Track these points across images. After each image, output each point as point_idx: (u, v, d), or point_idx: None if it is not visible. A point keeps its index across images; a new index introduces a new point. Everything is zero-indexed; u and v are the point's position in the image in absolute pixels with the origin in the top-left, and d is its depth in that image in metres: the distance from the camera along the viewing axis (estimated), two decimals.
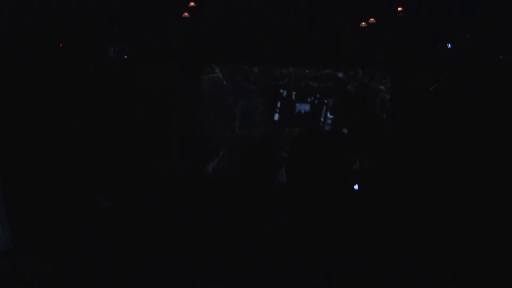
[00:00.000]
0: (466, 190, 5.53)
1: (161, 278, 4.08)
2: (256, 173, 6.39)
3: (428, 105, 6.30)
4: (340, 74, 7.06)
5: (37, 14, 5.57)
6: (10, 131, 5.29)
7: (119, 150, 6.12)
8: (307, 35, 6.40)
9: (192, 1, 5.95)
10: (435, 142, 6.05)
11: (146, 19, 6.15)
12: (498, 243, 4.61)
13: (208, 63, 7.13)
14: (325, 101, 6.22)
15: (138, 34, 6.35)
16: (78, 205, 5.36)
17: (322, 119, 6.17)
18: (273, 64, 7.04)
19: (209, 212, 5.53)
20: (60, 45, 5.90)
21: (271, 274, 4.12)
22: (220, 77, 7.15)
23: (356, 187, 6.01)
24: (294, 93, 6.30)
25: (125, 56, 6.28)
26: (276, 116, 6.54)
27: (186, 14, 6.11)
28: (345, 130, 6.51)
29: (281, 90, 6.25)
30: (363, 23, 6.17)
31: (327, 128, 6.32)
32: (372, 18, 6.09)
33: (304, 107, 6.45)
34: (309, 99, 6.37)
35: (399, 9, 5.88)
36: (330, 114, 6.51)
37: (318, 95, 6.23)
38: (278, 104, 6.56)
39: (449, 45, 5.99)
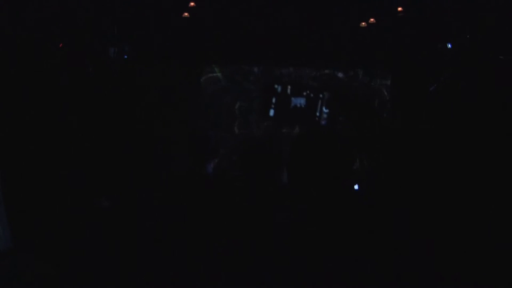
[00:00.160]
0: (466, 189, 5.53)
1: (161, 278, 4.08)
2: (258, 173, 6.38)
3: (428, 105, 6.30)
4: (340, 74, 7.05)
5: (37, 14, 5.57)
6: (10, 131, 5.29)
7: (119, 150, 6.12)
8: (307, 35, 6.39)
9: (192, 1, 5.94)
10: (435, 142, 6.05)
11: (146, 19, 6.14)
12: (498, 243, 4.61)
13: (208, 63, 7.12)
14: (320, 95, 6.18)
15: (138, 34, 6.35)
16: (78, 205, 5.36)
17: (317, 114, 6.14)
18: (273, 64, 7.03)
19: (209, 212, 5.53)
20: (60, 45, 5.90)
21: (271, 274, 4.12)
22: (220, 77, 7.15)
23: (356, 187, 6.00)
24: (289, 87, 6.26)
25: (125, 56, 6.28)
26: (272, 112, 6.51)
27: (186, 14, 6.10)
28: (342, 126, 6.49)
29: (276, 86, 6.21)
30: (363, 23, 6.17)
31: (323, 122, 6.30)
32: (372, 18, 6.09)
33: (300, 101, 6.41)
34: (304, 93, 6.33)
35: (399, 9, 5.88)
36: (326, 108, 6.47)
37: (313, 90, 6.20)
38: (273, 100, 6.52)
39: (449, 45, 5.99)
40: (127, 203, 5.60)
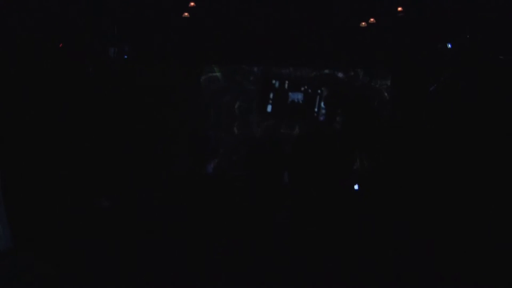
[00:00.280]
0: (466, 189, 5.53)
1: (161, 278, 4.08)
2: (258, 174, 6.39)
3: (428, 105, 6.30)
4: (340, 74, 7.06)
5: (37, 14, 5.57)
6: (10, 131, 5.29)
7: (119, 150, 6.12)
8: (307, 35, 6.39)
9: (192, 1, 5.94)
10: (435, 142, 6.06)
11: (146, 19, 6.14)
12: (498, 242, 4.61)
13: (208, 63, 7.12)
14: (319, 91, 6.17)
15: (138, 34, 6.35)
16: (78, 205, 5.36)
17: (316, 109, 6.13)
18: (273, 64, 7.03)
19: (209, 212, 5.53)
20: (60, 45, 5.90)
21: (271, 274, 4.12)
22: (220, 77, 7.15)
23: (356, 187, 6.01)
24: (287, 82, 6.24)
25: (125, 56, 6.28)
26: (269, 107, 6.49)
27: (186, 14, 6.10)
28: (341, 123, 6.47)
29: (273, 81, 6.20)
30: (363, 23, 6.17)
31: (321, 118, 6.29)
32: (372, 18, 6.09)
33: (298, 97, 6.40)
34: (302, 88, 6.31)
35: (399, 9, 5.88)
36: (324, 104, 6.46)
37: (311, 85, 6.19)
38: (271, 95, 6.50)
39: (449, 45, 6.00)
40: (127, 203, 5.61)
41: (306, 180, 5.80)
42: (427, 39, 6.18)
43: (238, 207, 5.68)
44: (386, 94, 6.98)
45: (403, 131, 6.48)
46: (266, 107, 6.38)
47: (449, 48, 6.00)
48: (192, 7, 5.99)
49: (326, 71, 7.00)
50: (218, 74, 7.11)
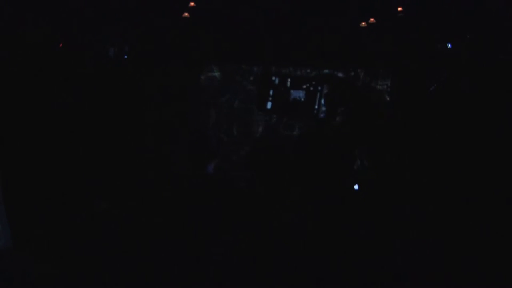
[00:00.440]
0: (467, 189, 5.53)
1: (161, 278, 4.08)
2: (258, 174, 6.39)
3: (428, 105, 6.30)
4: (340, 74, 7.05)
5: (37, 14, 5.57)
6: (10, 131, 5.29)
7: (118, 150, 6.12)
8: (307, 35, 6.39)
9: (192, 1, 5.94)
10: (435, 142, 6.05)
11: (146, 19, 6.14)
12: (498, 243, 4.61)
13: (208, 63, 7.12)
14: (319, 87, 6.13)
15: (138, 34, 6.35)
16: (78, 205, 5.36)
17: (316, 107, 6.09)
18: (273, 64, 7.03)
19: (209, 211, 5.53)
20: (60, 45, 5.90)
21: (272, 274, 4.12)
22: (220, 77, 7.14)
23: (356, 187, 6.00)
24: (289, 80, 6.21)
25: (125, 56, 6.28)
26: (269, 105, 6.45)
27: (186, 14, 6.10)
28: (342, 121, 6.44)
29: (273, 77, 6.16)
30: (363, 23, 6.17)
31: (322, 115, 6.25)
32: (372, 18, 6.09)
33: (299, 95, 6.36)
34: (304, 86, 6.28)
35: (399, 9, 5.87)
36: (324, 102, 6.42)
37: (312, 82, 6.15)
38: (271, 92, 6.46)
39: (449, 45, 5.99)
40: (126, 203, 5.60)
41: (306, 180, 5.79)
42: (427, 39, 6.18)
43: (238, 207, 5.68)
44: (386, 94, 6.97)
45: (403, 131, 6.47)
46: (266, 104, 6.34)
47: (449, 48, 6.00)
48: (192, 7, 5.99)
49: (326, 71, 6.99)
50: (217, 74, 7.11)
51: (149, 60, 6.57)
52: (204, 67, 7.11)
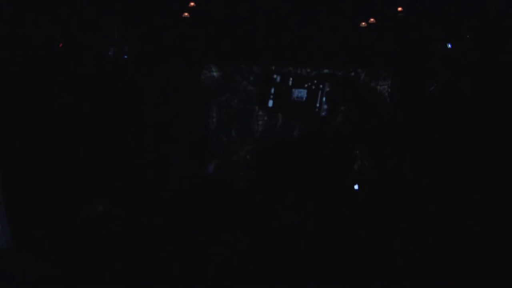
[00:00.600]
0: (467, 190, 5.53)
1: (161, 278, 4.08)
2: (258, 174, 6.39)
3: (428, 105, 6.30)
4: (340, 74, 7.04)
5: (37, 14, 5.57)
6: (10, 131, 5.29)
7: (118, 151, 6.12)
8: (307, 35, 6.39)
9: (192, 1, 5.94)
10: (435, 142, 6.05)
11: (146, 19, 6.14)
12: (498, 243, 4.61)
13: (207, 63, 7.11)
14: (321, 85, 6.12)
15: (138, 34, 6.34)
16: (78, 205, 5.36)
17: (317, 105, 6.07)
18: (273, 64, 7.02)
19: (210, 212, 5.53)
20: (60, 45, 5.90)
21: (272, 274, 4.12)
22: (218, 77, 7.14)
23: (356, 187, 6.00)
24: (290, 78, 6.19)
25: (125, 56, 6.28)
26: (270, 103, 6.43)
27: (186, 14, 6.10)
28: (342, 120, 6.44)
29: (275, 76, 6.14)
30: (363, 23, 6.17)
31: (323, 113, 6.24)
32: (372, 18, 6.09)
33: (300, 93, 6.34)
34: (305, 85, 6.25)
35: (399, 9, 5.87)
36: (326, 100, 6.41)
37: (314, 80, 6.13)
38: (272, 90, 6.44)
39: (449, 45, 5.99)
40: (127, 203, 5.60)
41: (306, 180, 5.79)
42: (427, 39, 6.18)
43: (238, 207, 5.68)
44: (386, 94, 6.97)
45: (403, 131, 6.47)
46: (267, 102, 6.32)
47: (449, 48, 6.00)
48: (192, 7, 5.99)
49: (326, 71, 6.99)
50: (216, 74, 7.10)
51: (149, 60, 6.57)
52: (203, 67, 7.10)
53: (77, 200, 5.38)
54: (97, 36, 6.10)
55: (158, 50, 6.61)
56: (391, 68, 6.86)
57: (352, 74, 7.02)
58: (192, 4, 5.97)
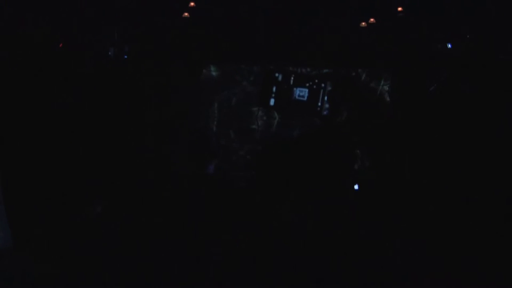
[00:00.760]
0: (467, 190, 5.53)
1: (161, 278, 4.08)
2: (258, 174, 6.38)
3: (428, 105, 6.30)
4: (340, 74, 7.04)
5: (37, 14, 5.57)
6: (10, 131, 5.29)
7: (119, 151, 6.12)
8: (307, 35, 6.39)
9: (192, 1, 5.94)
10: (435, 142, 6.05)
11: (146, 19, 6.14)
12: (498, 242, 4.61)
13: (207, 63, 7.11)
14: (322, 84, 6.10)
15: (138, 34, 6.34)
16: (78, 205, 5.36)
17: (319, 104, 6.06)
18: (273, 64, 7.01)
19: (210, 212, 5.53)
20: (60, 45, 5.90)
21: (272, 274, 4.12)
22: (220, 77, 7.14)
23: (356, 187, 5.99)
24: (292, 77, 6.18)
25: (125, 56, 6.28)
26: (272, 101, 6.41)
27: (186, 14, 6.10)
28: (343, 119, 6.43)
29: (277, 74, 6.13)
30: (363, 23, 6.17)
31: (325, 113, 6.22)
32: (372, 18, 6.09)
33: (302, 92, 6.33)
34: (307, 83, 6.24)
35: (399, 9, 5.87)
36: (328, 99, 6.39)
37: (315, 79, 6.11)
38: (274, 89, 6.43)
39: (449, 45, 5.99)
40: (127, 203, 5.60)
41: (306, 180, 5.79)
42: (427, 39, 6.18)
43: (238, 207, 5.68)
44: (386, 94, 6.97)
45: (403, 131, 6.47)
46: (268, 101, 6.31)
47: (449, 48, 6.00)
48: (192, 7, 5.99)
49: (326, 70, 6.99)
50: (215, 74, 7.10)
51: (149, 60, 6.57)
52: (203, 67, 7.10)
53: (77, 200, 5.38)
54: (97, 36, 6.10)
55: (158, 50, 6.61)
56: (391, 68, 6.86)
57: (353, 74, 7.02)
58: (192, 4, 5.98)
